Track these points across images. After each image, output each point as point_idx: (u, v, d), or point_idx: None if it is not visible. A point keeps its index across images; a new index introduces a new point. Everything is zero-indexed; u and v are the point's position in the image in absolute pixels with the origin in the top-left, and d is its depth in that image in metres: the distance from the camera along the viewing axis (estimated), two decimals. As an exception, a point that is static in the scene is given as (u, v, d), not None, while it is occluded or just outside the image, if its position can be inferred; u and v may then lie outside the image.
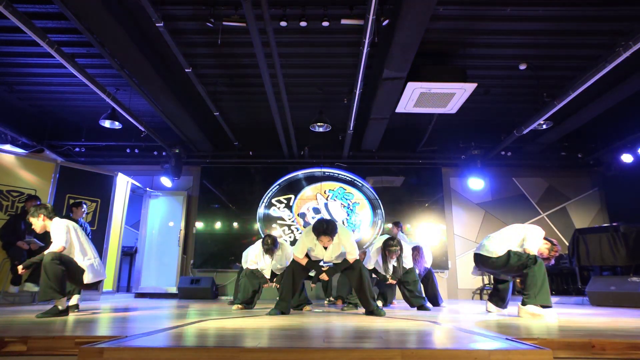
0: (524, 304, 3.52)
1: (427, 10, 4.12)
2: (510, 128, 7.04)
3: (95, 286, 3.93)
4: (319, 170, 8.55)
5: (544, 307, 3.46)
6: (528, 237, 3.73)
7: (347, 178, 8.51)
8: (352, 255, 3.79)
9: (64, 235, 3.54)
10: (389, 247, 4.48)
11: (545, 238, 3.85)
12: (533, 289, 3.48)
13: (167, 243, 8.23)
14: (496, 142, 7.79)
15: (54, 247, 3.50)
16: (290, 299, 3.83)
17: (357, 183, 8.46)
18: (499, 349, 1.56)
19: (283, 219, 8.38)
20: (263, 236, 4.59)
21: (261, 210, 8.44)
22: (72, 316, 3.37)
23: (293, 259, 3.93)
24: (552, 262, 3.93)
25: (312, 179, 8.55)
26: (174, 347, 1.62)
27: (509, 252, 3.70)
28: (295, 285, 3.88)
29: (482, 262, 3.86)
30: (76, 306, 3.91)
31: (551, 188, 8.57)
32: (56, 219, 3.65)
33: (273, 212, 8.41)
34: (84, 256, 3.68)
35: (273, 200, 8.46)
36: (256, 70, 5.59)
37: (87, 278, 3.66)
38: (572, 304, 6.09)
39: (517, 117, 7.18)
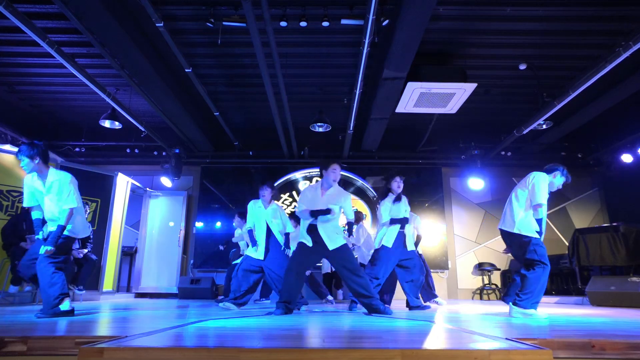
0: (515, 304, 3.51)
1: (427, 11, 4.12)
2: (510, 128, 7.04)
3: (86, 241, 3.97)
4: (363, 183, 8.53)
5: None
6: (535, 193, 3.54)
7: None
8: (349, 217, 3.93)
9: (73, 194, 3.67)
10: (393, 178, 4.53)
11: (550, 175, 3.68)
12: (529, 293, 3.47)
13: (167, 243, 8.23)
14: (496, 142, 7.79)
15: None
16: (291, 297, 3.78)
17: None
18: (499, 349, 1.56)
19: (298, 193, 8.42)
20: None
21: (298, 175, 8.56)
22: (72, 316, 3.36)
23: (292, 256, 3.89)
24: (569, 179, 3.70)
25: (360, 193, 8.50)
26: (174, 347, 1.62)
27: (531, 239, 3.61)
28: (297, 283, 3.83)
29: (507, 236, 3.75)
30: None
31: (551, 188, 8.55)
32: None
33: (302, 185, 8.49)
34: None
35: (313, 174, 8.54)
36: (256, 70, 5.59)
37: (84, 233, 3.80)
38: (572, 304, 6.08)
39: (517, 117, 7.18)
